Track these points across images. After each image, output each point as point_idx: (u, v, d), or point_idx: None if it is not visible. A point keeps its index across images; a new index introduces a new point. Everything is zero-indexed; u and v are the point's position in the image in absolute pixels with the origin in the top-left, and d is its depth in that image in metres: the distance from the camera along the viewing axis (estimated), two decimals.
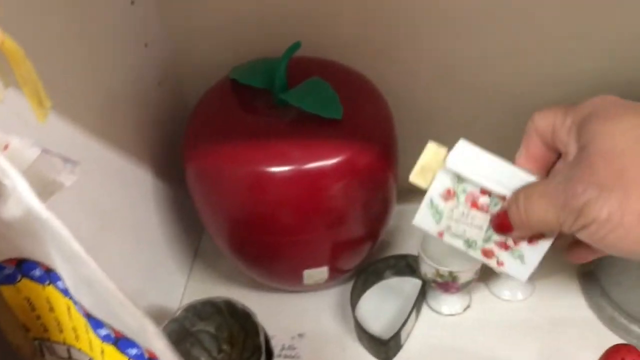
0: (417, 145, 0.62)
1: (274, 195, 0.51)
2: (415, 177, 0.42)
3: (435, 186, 0.41)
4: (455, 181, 0.41)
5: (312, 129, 0.51)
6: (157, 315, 0.57)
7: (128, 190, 0.54)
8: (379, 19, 0.58)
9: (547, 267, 0.61)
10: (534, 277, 0.61)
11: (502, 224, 0.39)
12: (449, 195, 0.41)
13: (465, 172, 0.40)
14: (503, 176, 0.39)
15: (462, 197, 0.41)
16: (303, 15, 0.58)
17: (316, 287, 0.62)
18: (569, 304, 0.60)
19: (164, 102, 0.61)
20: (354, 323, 0.58)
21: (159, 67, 0.60)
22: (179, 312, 0.52)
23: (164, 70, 0.61)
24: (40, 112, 0.32)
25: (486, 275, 0.61)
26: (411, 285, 0.63)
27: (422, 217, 0.42)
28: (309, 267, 0.57)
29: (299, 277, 0.58)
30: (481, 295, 0.62)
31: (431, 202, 0.42)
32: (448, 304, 0.61)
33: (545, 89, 0.61)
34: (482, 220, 0.41)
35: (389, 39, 0.59)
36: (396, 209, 0.60)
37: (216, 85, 0.57)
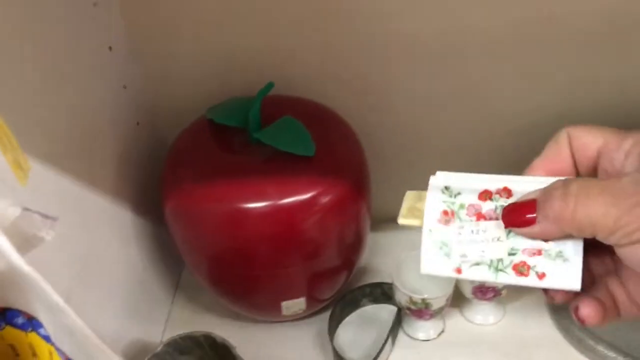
0: (388, 175, 0.65)
1: (251, 231, 0.52)
2: (404, 218, 0.38)
3: (429, 214, 0.36)
4: (448, 198, 0.36)
5: (286, 165, 0.53)
6: (139, 351, 0.58)
7: (108, 229, 0.56)
8: (347, 56, 0.60)
9: (516, 291, 0.64)
10: (505, 302, 0.64)
11: (520, 216, 0.34)
12: (447, 216, 0.36)
13: (455, 182, 0.36)
14: (499, 179, 0.36)
15: (463, 213, 0.36)
16: (276, 55, 0.61)
17: (295, 318, 0.64)
18: (539, 327, 0.62)
19: (143, 142, 0.63)
20: (332, 352, 0.60)
21: (138, 107, 0.62)
22: (160, 347, 0.53)
23: (143, 111, 0.63)
24: (21, 174, 0.34)
25: (459, 301, 0.63)
26: (387, 312, 0.65)
27: (429, 259, 0.36)
28: (287, 298, 0.59)
29: (278, 309, 0.60)
30: (455, 320, 0.64)
31: (430, 232, 0.36)
32: (423, 329, 0.63)
33: (509, 120, 0.64)
34: (497, 229, 0.35)
35: (358, 75, 0.62)
36: (371, 237, 0.62)
37: (192, 124, 0.59)
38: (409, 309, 0.60)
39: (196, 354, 0.55)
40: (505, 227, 0.34)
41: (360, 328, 0.65)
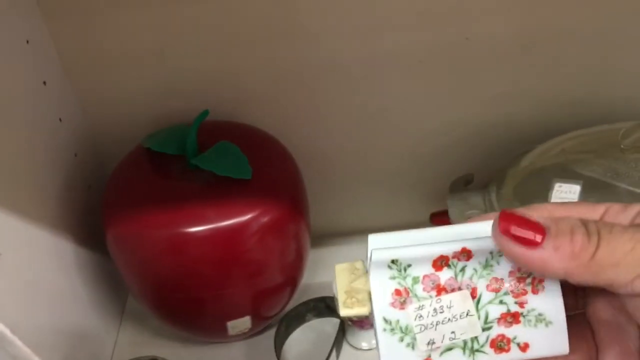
0: (326, 191, 0.68)
1: (193, 255, 0.54)
2: (346, 309, 0.30)
3: (378, 299, 0.29)
4: (397, 274, 0.29)
5: (224, 189, 0.55)
6: None
7: (51, 260, 0.56)
8: (281, 80, 0.63)
9: None
10: None
11: (523, 231, 0.27)
12: (400, 296, 0.28)
13: (402, 251, 0.29)
14: (451, 235, 0.30)
15: (419, 289, 0.29)
16: (210, 81, 0.63)
17: (242, 336, 0.65)
18: None
19: (82, 172, 0.64)
20: None
21: (75, 139, 0.63)
22: None
23: (80, 142, 0.64)
24: None
25: None
26: (332, 325, 0.67)
27: (389, 356, 0.29)
28: (232, 318, 0.60)
29: (224, 329, 0.61)
30: None
31: (385, 321, 0.28)
32: (365, 339, 0.65)
33: (434, 136, 0.68)
34: (464, 302, 0.28)
35: (291, 98, 0.64)
36: (312, 253, 0.65)
37: (130, 153, 0.60)
38: (351, 320, 0.62)
39: None
40: (501, 231, 0.27)
41: (306, 342, 0.67)
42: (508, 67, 0.63)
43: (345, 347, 0.66)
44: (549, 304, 0.29)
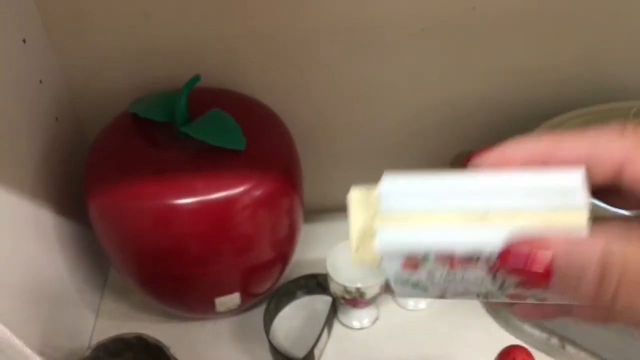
0: (320, 167, 0.65)
1: (181, 228, 0.51)
2: (357, 257, 0.27)
3: (388, 264, 0.27)
4: (409, 259, 0.26)
5: (215, 160, 0.52)
6: (66, 357, 0.56)
7: (29, 231, 0.53)
8: (275, 47, 0.60)
9: None
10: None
11: (528, 261, 0.23)
12: (412, 261, 0.26)
13: (414, 247, 0.26)
14: (475, 187, 0.25)
15: (432, 260, 0.26)
16: (201, 46, 0.59)
17: (230, 313, 0.63)
18: (469, 310, 0.64)
19: (63, 139, 0.60)
20: (269, 346, 0.60)
21: (56, 103, 0.59)
22: (88, 351, 0.51)
23: (61, 106, 0.60)
24: None
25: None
26: (323, 302, 0.66)
27: (404, 295, 0.29)
28: (220, 294, 0.58)
29: (211, 305, 0.59)
30: (388, 307, 0.65)
31: (397, 279, 0.27)
32: (358, 318, 0.63)
33: (434, 110, 0.65)
34: (480, 272, 0.26)
35: (288, 67, 0.61)
36: (304, 229, 0.62)
37: (115, 120, 0.57)
38: (343, 298, 0.60)
39: (127, 357, 0.54)
40: (501, 266, 0.24)
41: (296, 320, 0.65)
42: (515, 41, 0.60)
43: (337, 326, 0.64)
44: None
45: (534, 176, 0.24)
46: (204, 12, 0.57)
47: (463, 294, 0.27)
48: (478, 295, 0.27)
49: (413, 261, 0.26)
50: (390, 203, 0.26)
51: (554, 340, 0.58)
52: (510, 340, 0.61)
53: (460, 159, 0.63)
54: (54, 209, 0.57)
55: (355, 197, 0.27)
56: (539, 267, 0.23)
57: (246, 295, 0.60)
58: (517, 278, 0.24)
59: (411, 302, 0.65)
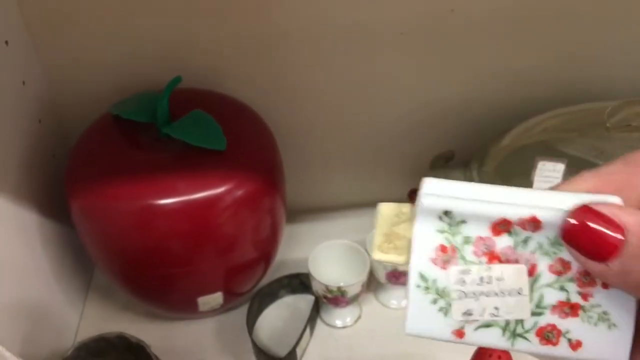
0: (303, 167, 0.66)
1: (163, 228, 0.51)
2: (380, 253, 0.26)
3: (419, 250, 0.25)
4: (447, 228, 0.25)
5: (197, 160, 0.53)
6: (51, 357, 0.56)
7: (12, 230, 0.53)
8: (258, 49, 0.60)
9: None
10: None
11: (599, 234, 0.22)
12: (445, 254, 0.25)
13: (459, 203, 0.24)
14: (520, 200, 0.24)
15: (469, 251, 0.25)
16: (183, 48, 0.60)
17: (213, 313, 0.63)
18: None
19: (46, 140, 0.61)
20: (252, 345, 0.60)
21: (39, 104, 0.59)
22: (70, 351, 0.52)
23: (45, 108, 0.60)
24: None
25: (373, 285, 0.65)
26: (306, 301, 0.66)
27: (417, 315, 0.25)
28: (203, 294, 0.58)
29: (194, 305, 0.59)
30: (371, 306, 0.66)
31: (421, 277, 0.25)
32: (340, 317, 0.64)
33: (418, 112, 0.66)
34: (518, 278, 0.24)
35: (271, 68, 0.62)
36: (287, 229, 0.63)
37: (97, 121, 0.57)
38: (325, 297, 0.61)
39: (110, 356, 0.54)
40: (564, 238, 0.23)
41: (279, 319, 0.65)
42: (492, 43, 0.61)
43: (319, 325, 0.64)
44: (619, 304, 0.24)
45: (577, 196, 0.24)
46: (186, 14, 0.57)
47: (489, 325, 0.25)
48: (504, 330, 0.25)
49: (447, 253, 0.25)
50: (431, 200, 0.25)
51: None
52: None
53: (440, 160, 0.64)
54: (38, 210, 0.58)
55: (385, 206, 0.27)
56: (612, 237, 0.22)
57: (229, 294, 0.60)
58: (581, 249, 0.23)
59: (393, 301, 0.65)
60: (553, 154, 0.54)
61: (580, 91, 0.64)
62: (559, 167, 0.51)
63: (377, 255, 0.26)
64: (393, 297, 0.65)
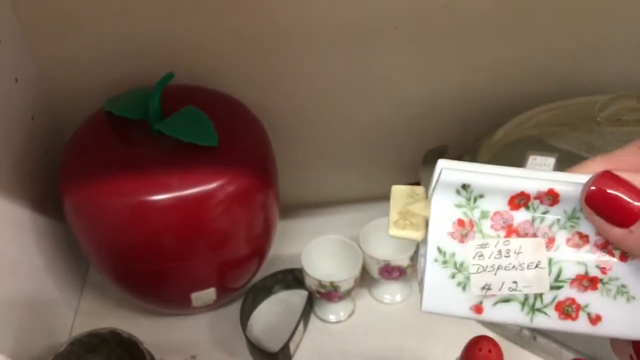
0: (296, 163, 0.66)
1: (155, 224, 0.52)
2: (397, 229, 0.26)
3: (437, 224, 0.25)
4: (465, 202, 0.25)
5: (189, 156, 0.53)
6: (44, 353, 0.56)
7: (6, 227, 0.53)
8: (250, 45, 0.61)
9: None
10: (412, 280, 0.66)
11: (619, 199, 0.22)
12: (463, 228, 0.25)
13: (477, 177, 0.25)
14: (537, 176, 0.25)
15: (487, 225, 0.25)
16: (176, 45, 0.60)
17: (206, 308, 0.63)
18: None
19: (39, 136, 0.61)
20: (245, 341, 0.60)
21: (32, 101, 0.60)
22: (64, 346, 0.52)
23: (38, 104, 0.61)
24: None
25: (367, 281, 0.65)
26: (300, 297, 0.66)
27: (434, 292, 0.25)
28: (196, 289, 0.58)
29: (188, 300, 0.59)
30: (364, 301, 0.66)
31: (439, 251, 0.25)
32: (333, 312, 0.64)
33: (412, 105, 0.66)
34: (536, 251, 0.24)
35: (264, 64, 0.62)
36: (281, 224, 0.63)
37: (90, 117, 0.57)
38: (318, 292, 0.61)
39: (103, 352, 0.54)
40: (587, 202, 0.23)
41: (273, 315, 0.65)
42: (484, 38, 0.61)
43: (313, 320, 0.65)
44: (637, 276, 0.24)
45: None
46: (179, 11, 0.57)
47: (508, 300, 0.25)
48: (523, 304, 0.25)
49: (464, 227, 0.25)
50: (448, 174, 0.25)
51: (525, 332, 0.59)
52: (484, 332, 0.61)
53: (433, 155, 0.64)
54: (31, 206, 0.58)
55: (398, 188, 0.27)
56: (633, 202, 0.22)
57: (222, 290, 0.61)
58: (604, 214, 0.23)
59: (387, 296, 0.65)
60: (545, 148, 0.54)
61: (572, 85, 0.64)
62: (550, 162, 0.51)
63: (393, 232, 0.26)
64: (387, 292, 0.65)
